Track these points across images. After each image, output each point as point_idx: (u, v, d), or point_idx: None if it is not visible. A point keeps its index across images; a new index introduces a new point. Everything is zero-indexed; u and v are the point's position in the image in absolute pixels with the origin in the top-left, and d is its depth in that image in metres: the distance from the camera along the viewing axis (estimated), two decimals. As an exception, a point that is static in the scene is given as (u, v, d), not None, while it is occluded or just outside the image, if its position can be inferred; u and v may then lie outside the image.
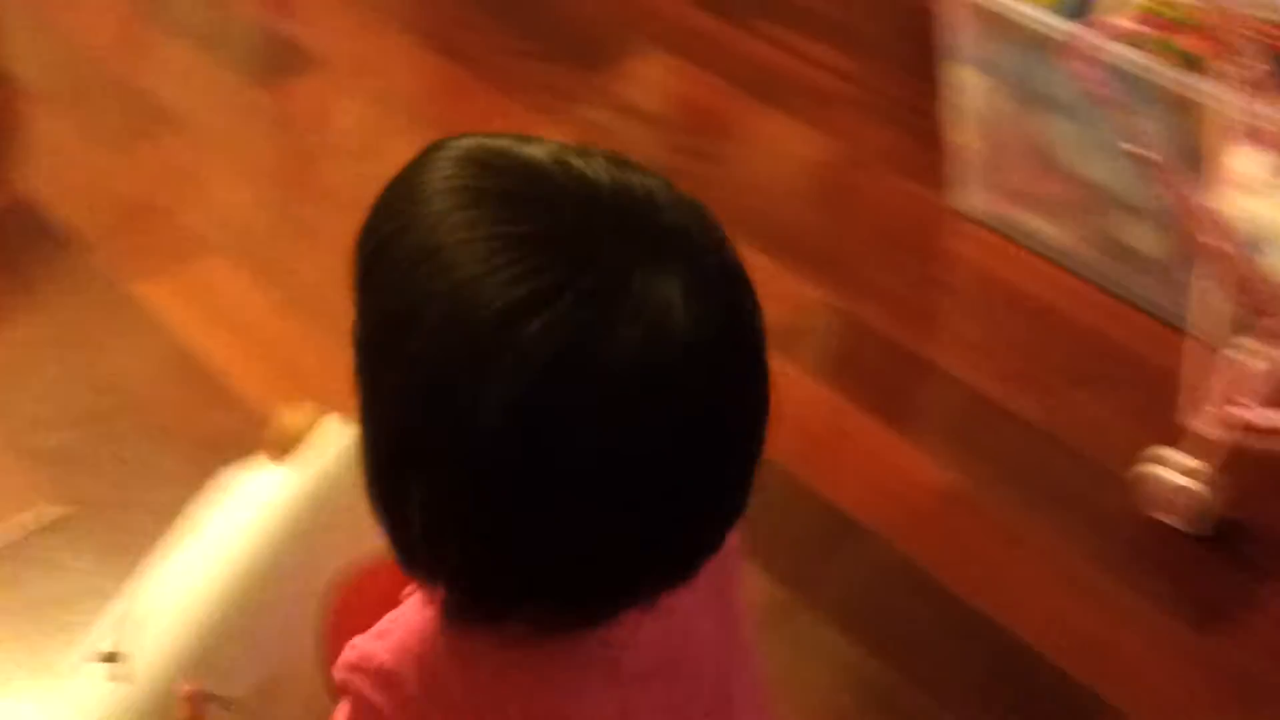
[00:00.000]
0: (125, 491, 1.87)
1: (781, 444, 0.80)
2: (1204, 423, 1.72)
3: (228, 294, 2.19)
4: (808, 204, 2.39)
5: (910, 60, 2.50)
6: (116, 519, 1.82)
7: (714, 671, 0.88)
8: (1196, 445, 1.73)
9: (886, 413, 1.97)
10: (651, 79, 2.70)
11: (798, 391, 1.96)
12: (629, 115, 2.56)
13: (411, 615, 0.81)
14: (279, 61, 2.73)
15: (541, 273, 0.67)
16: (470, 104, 2.57)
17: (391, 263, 0.71)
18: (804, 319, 2.12)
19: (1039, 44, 1.99)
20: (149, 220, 2.37)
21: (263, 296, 2.17)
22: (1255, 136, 1.63)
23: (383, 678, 0.80)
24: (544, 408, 0.67)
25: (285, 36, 2.80)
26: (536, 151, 0.73)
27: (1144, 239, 2.04)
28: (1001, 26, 2.06)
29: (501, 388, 0.67)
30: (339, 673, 0.81)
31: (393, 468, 0.74)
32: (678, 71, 2.67)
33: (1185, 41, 1.83)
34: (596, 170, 0.72)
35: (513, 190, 0.71)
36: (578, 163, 0.72)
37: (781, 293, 2.14)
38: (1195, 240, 1.69)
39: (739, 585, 0.92)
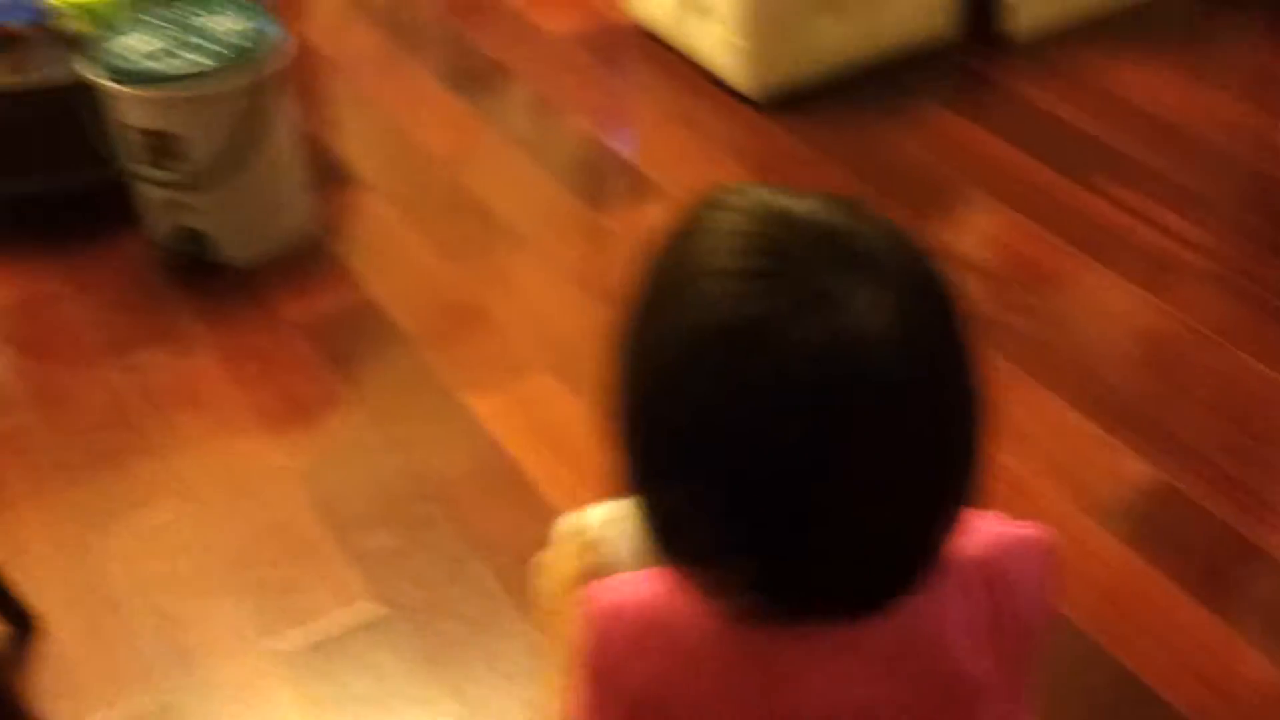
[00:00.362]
0: (439, 598, 1.94)
1: (1086, 607, 0.78)
2: None
3: (555, 411, 2.25)
4: (1139, 370, 2.32)
5: (1258, 231, 2.41)
6: (430, 624, 1.89)
7: None
8: None
9: (1206, 593, 1.88)
10: (984, 229, 2.68)
11: (1110, 558, 1.89)
12: (957, 263, 2.54)
13: (663, 578, 0.88)
14: (611, 182, 2.83)
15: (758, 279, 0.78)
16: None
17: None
18: (1126, 487, 2.06)
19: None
20: (482, 329, 2.47)
21: (590, 419, 2.23)
22: None
23: (601, 613, 0.90)
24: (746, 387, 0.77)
25: (617, 156, 2.90)
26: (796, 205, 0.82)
27: None
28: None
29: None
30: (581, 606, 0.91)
31: (656, 476, 0.83)
32: (1012, 224, 2.64)
33: None
34: (823, 215, 0.81)
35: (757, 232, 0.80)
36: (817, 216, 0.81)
37: (1105, 459, 2.09)
38: None
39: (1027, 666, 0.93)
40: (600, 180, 2.85)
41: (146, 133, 2.51)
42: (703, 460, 0.79)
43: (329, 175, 2.86)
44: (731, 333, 0.77)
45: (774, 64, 2.92)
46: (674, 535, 0.84)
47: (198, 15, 2.59)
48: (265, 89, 2.54)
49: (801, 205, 0.81)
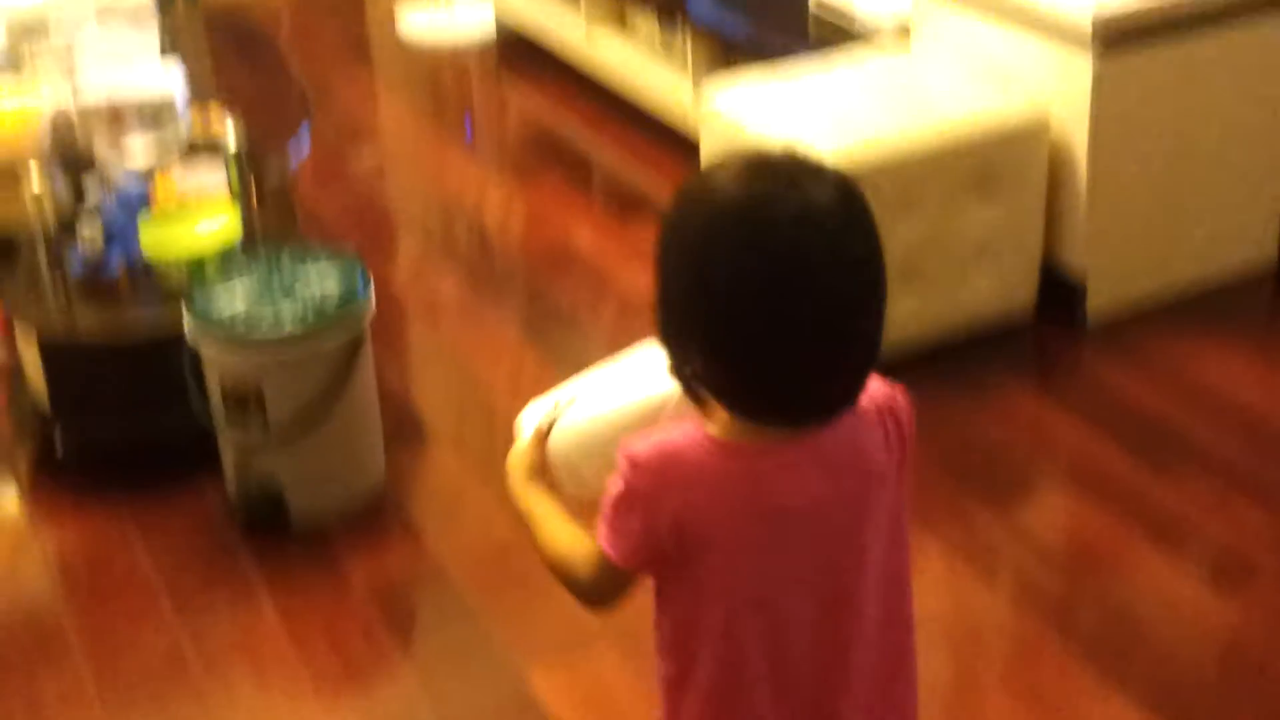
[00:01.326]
0: None
1: None
2: None
3: (615, 690, 2.23)
4: (1209, 672, 2.27)
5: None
6: None
7: (845, 526, 1.35)
8: None
9: None
10: (1056, 514, 2.66)
11: None
12: (1028, 547, 2.52)
13: (670, 432, 1.33)
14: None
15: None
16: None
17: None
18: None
19: None
20: (547, 598, 2.43)
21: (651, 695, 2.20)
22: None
23: (636, 467, 1.31)
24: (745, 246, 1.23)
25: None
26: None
27: None
28: None
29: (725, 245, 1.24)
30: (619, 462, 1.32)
31: (679, 336, 1.29)
32: (1084, 509, 2.62)
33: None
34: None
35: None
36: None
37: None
38: None
39: (895, 485, 1.38)
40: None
41: (233, 387, 2.56)
42: (719, 304, 1.24)
43: (404, 429, 2.90)
44: (737, 208, 1.24)
45: (849, 335, 2.94)
46: (705, 377, 1.29)
47: (292, 271, 2.66)
48: (350, 348, 2.59)
49: (773, 151, 1.30)
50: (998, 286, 3.07)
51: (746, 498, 1.31)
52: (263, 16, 5.29)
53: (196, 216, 2.85)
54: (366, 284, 2.64)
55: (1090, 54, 2.91)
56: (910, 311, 2.99)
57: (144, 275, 2.83)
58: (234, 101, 3.44)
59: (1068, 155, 3.01)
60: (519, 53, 4.72)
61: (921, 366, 3.01)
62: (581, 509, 1.46)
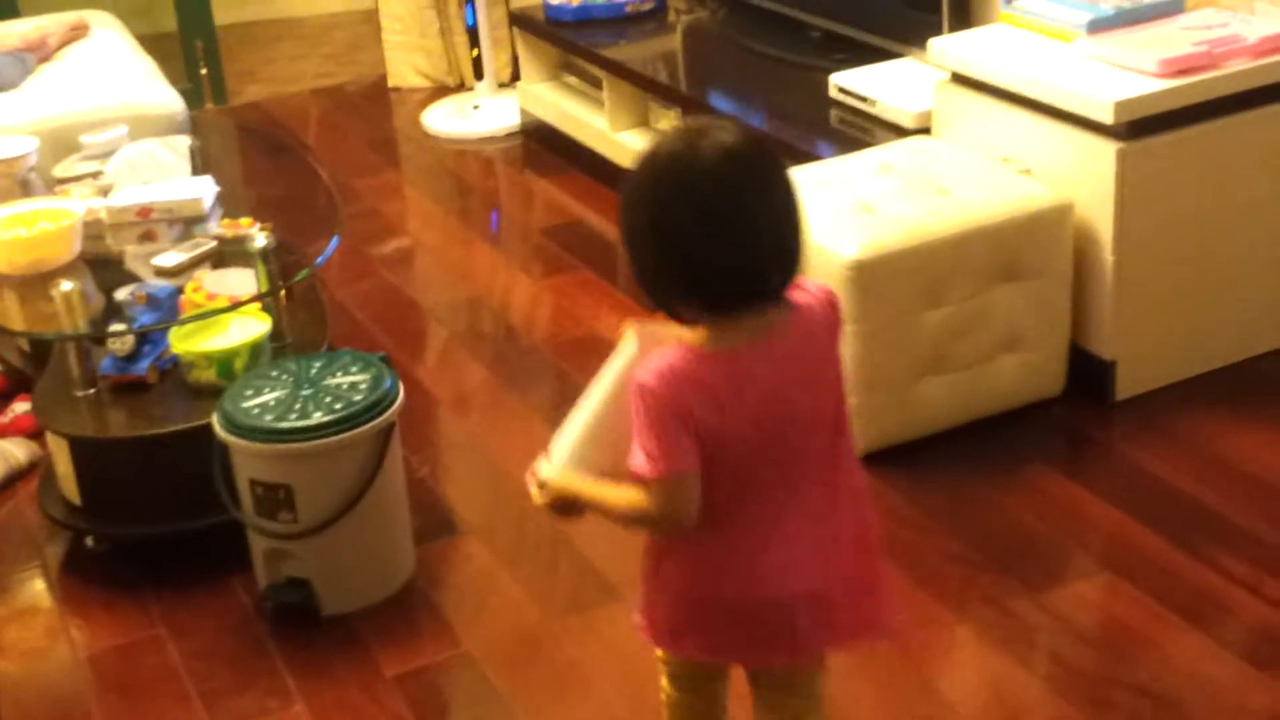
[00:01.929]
0: None
1: None
2: None
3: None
4: (1253, 758, 2.24)
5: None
6: None
7: (800, 404, 1.75)
8: None
9: None
10: (1088, 596, 2.64)
11: None
12: (1064, 632, 2.50)
13: (660, 356, 1.70)
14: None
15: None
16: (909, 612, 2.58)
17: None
18: None
19: None
20: (577, 689, 2.45)
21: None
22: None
23: (645, 388, 1.69)
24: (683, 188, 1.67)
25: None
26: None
27: None
28: None
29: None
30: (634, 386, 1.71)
31: (651, 271, 1.71)
32: (1116, 590, 2.60)
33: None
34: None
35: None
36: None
37: None
38: None
39: (836, 359, 1.80)
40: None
41: (262, 484, 2.58)
42: (677, 235, 1.67)
43: (432, 521, 2.91)
44: (672, 162, 1.68)
45: (879, 422, 2.95)
46: (682, 298, 1.70)
47: (320, 369, 2.68)
48: (379, 443, 2.61)
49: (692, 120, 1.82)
50: (1027, 370, 3.07)
51: (734, 394, 1.70)
52: (291, 116, 5.37)
53: (226, 318, 2.88)
54: (394, 380, 2.66)
55: (1113, 140, 2.93)
56: (940, 396, 2.99)
57: (174, 374, 2.86)
58: (263, 204, 3.48)
59: (1093, 240, 3.03)
60: (544, 147, 4.77)
61: (952, 449, 3.01)
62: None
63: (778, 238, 1.69)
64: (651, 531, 1.78)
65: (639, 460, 1.69)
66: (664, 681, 1.97)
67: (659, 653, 1.93)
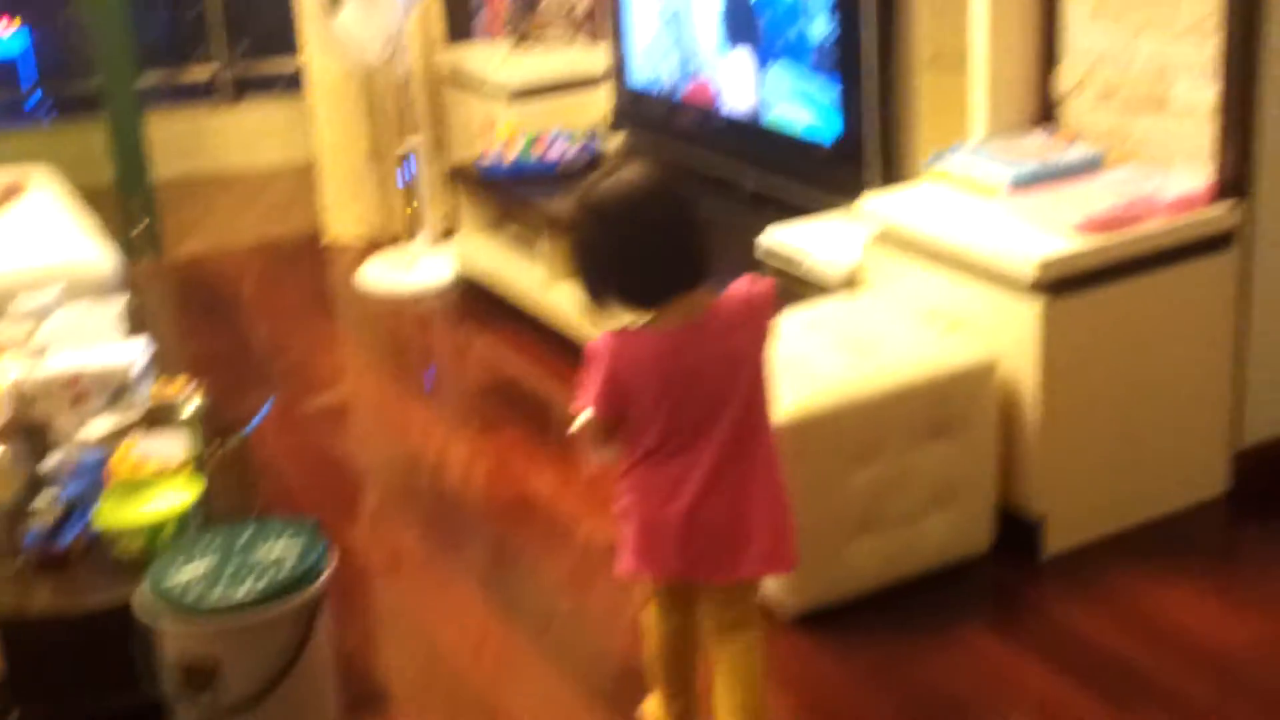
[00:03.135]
0: None
1: None
2: None
3: None
4: None
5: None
6: None
7: (722, 375, 2.33)
8: None
9: None
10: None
11: None
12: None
13: (604, 335, 2.31)
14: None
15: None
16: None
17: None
18: None
19: None
20: None
21: None
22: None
23: (592, 349, 2.32)
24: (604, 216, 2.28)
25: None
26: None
27: None
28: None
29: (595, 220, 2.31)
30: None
31: (589, 276, 2.31)
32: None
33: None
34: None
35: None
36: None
37: None
38: None
39: (758, 347, 2.36)
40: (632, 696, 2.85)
41: (186, 659, 2.53)
42: (608, 246, 2.28)
43: (363, 693, 2.86)
44: (601, 195, 2.27)
45: (810, 584, 2.95)
46: (616, 294, 2.29)
47: (248, 539, 2.66)
48: (307, 615, 2.58)
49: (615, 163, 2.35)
50: (955, 527, 3.09)
51: (656, 363, 2.29)
52: (228, 270, 5.38)
53: (154, 486, 2.86)
54: (324, 549, 2.64)
55: (1036, 297, 2.99)
56: (868, 554, 3.00)
57: (99, 547, 2.83)
58: (195, 368, 3.48)
59: (1018, 397, 3.07)
60: (480, 300, 4.80)
61: (882, 610, 3.01)
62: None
63: (677, 246, 2.27)
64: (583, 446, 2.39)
65: (579, 398, 2.34)
66: (652, 608, 2.53)
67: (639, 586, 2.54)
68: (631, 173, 2.27)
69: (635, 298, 2.29)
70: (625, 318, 2.30)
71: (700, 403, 2.30)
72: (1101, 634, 2.88)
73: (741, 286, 2.35)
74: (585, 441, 2.36)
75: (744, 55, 4.01)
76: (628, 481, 2.39)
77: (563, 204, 4.40)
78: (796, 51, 3.77)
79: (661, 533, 2.35)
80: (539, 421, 3.98)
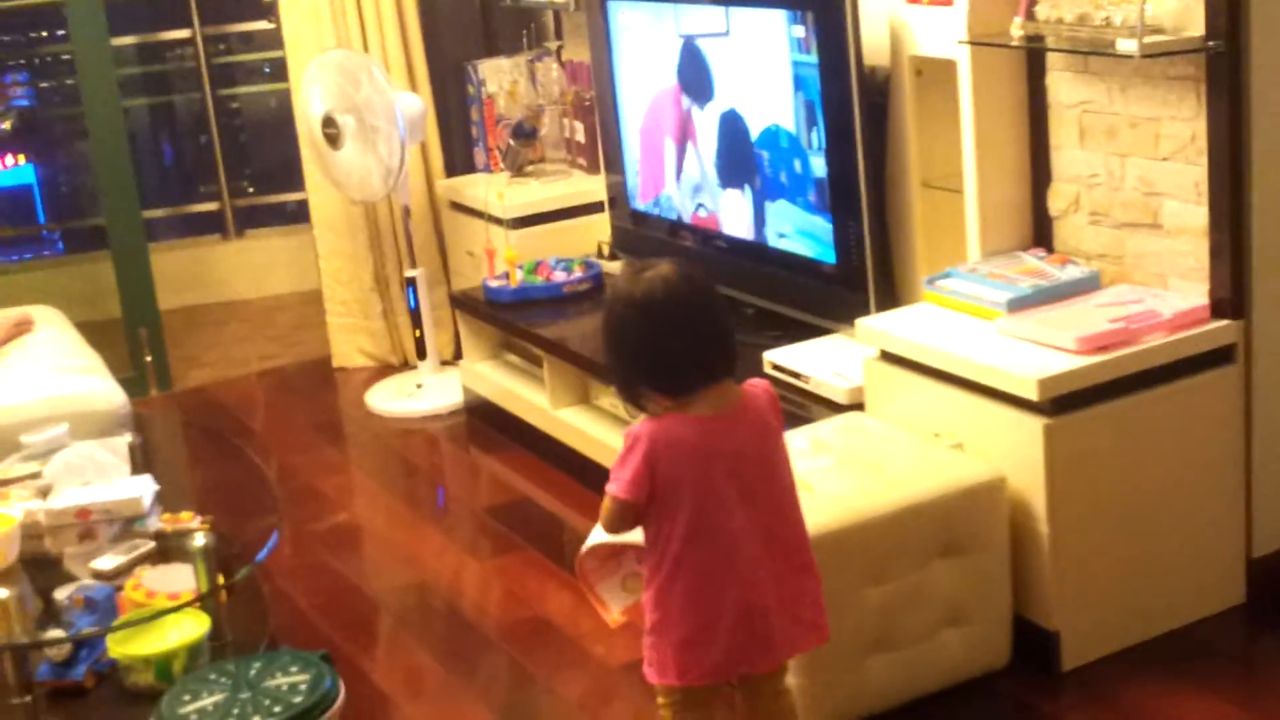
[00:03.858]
0: None
1: None
2: None
3: None
4: None
5: None
6: None
7: (756, 461, 2.46)
8: None
9: None
10: None
11: None
12: None
13: (644, 419, 2.44)
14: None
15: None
16: None
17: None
18: None
19: None
20: None
21: None
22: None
23: (631, 432, 2.42)
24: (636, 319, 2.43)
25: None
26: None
27: None
28: None
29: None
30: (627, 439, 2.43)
31: (622, 368, 2.46)
32: None
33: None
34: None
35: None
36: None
37: None
38: None
39: (780, 438, 2.51)
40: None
41: (197, 794, 2.52)
42: (643, 345, 2.42)
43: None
44: (632, 296, 2.42)
45: (827, 703, 2.93)
46: (650, 388, 2.42)
47: (260, 670, 2.65)
48: (317, 745, 2.57)
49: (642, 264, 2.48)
50: (971, 642, 3.08)
51: (695, 447, 2.39)
52: (235, 399, 5.41)
53: (164, 618, 2.86)
54: (334, 679, 2.64)
55: (1039, 415, 3.00)
56: (885, 670, 2.99)
57: (111, 679, 2.82)
58: (204, 497, 3.49)
59: (1028, 512, 3.07)
60: (487, 424, 4.82)
61: (896, 727, 2.99)
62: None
63: (710, 337, 2.41)
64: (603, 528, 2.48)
65: (611, 480, 2.41)
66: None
67: (661, 700, 2.52)
68: (667, 268, 2.40)
69: (669, 386, 2.40)
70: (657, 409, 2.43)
71: (739, 488, 2.41)
72: (1119, 750, 2.86)
73: (759, 382, 2.52)
74: (605, 524, 2.45)
75: (743, 193, 4.07)
76: (660, 594, 2.43)
77: (568, 327, 4.45)
78: (793, 186, 3.83)
79: (714, 623, 2.41)
80: (551, 542, 3.98)
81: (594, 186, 4.99)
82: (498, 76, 5.38)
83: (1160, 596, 3.21)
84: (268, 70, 6.79)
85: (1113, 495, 3.11)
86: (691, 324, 2.39)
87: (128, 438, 3.53)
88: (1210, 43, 2.99)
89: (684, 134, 4.28)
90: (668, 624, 2.43)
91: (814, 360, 3.66)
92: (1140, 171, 3.25)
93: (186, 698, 2.60)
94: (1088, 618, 3.12)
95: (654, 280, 2.39)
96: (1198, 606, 3.25)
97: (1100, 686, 3.06)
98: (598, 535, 2.56)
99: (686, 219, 4.38)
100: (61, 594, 2.95)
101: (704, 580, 2.40)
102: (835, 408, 3.50)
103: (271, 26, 6.04)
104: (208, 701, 2.58)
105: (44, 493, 3.26)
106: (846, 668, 2.95)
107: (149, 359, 5.49)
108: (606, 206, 4.87)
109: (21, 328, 4.56)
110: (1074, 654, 3.12)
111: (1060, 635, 3.10)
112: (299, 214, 6.25)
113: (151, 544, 3.11)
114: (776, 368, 3.70)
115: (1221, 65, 3.01)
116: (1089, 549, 3.10)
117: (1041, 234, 3.53)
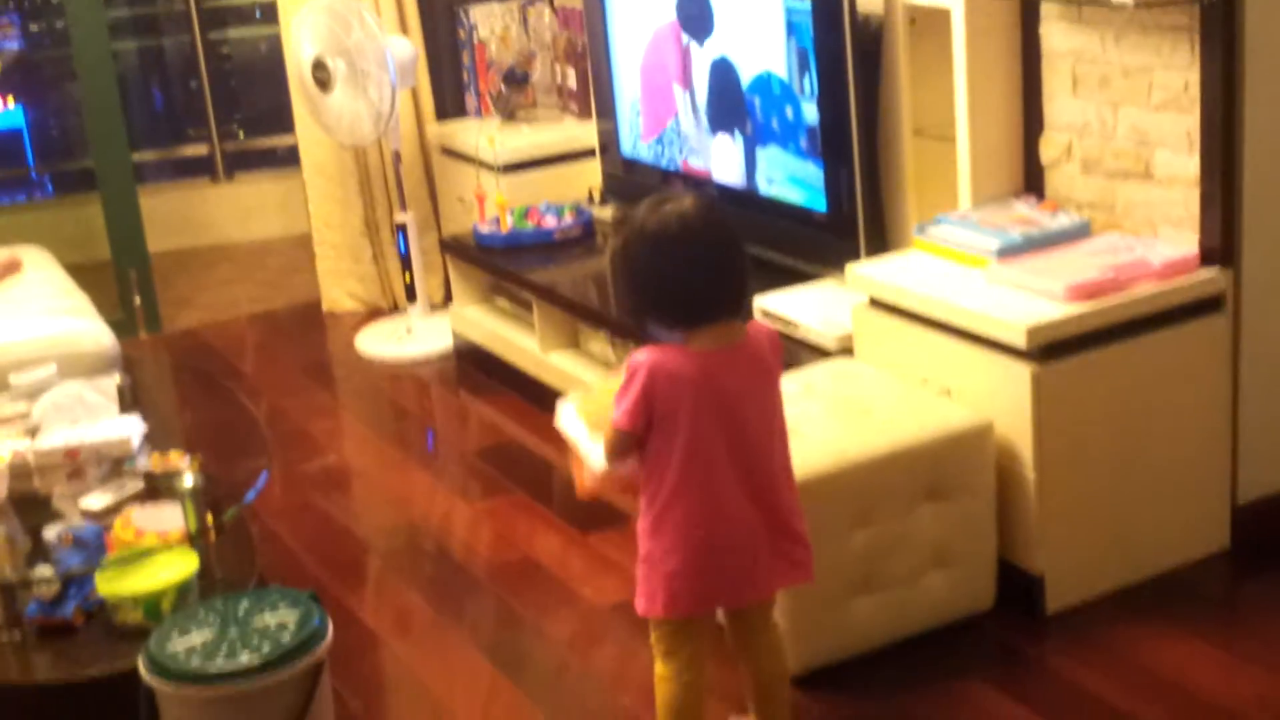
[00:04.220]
0: None
1: None
2: None
3: None
4: None
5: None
6: None
7: (749, 400, 2.48)
8: None
9: None
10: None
11: None
12: None
13: (645, 349, 2.45)
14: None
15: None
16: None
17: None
18: None
19: None
20: None
21: None
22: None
23: (632, 362, 2.43)
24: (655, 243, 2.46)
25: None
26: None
27: None
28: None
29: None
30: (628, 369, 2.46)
31: (632, 296, 2.51)
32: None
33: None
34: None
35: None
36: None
37: None
38: None
39: (777, 381, 2.54)
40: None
41: (188, 734, 2.54)
42: (656, 274, 2.44)
43: (365, 760, 2.86)
44: (647, 224, 2.45)
45: (812, 642, 2.96)
46: (659, 320, 2.46)
47: (249, 608, 2.66)
48: (307, 682, 2.58)
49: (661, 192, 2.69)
50: (956, 586, 3.09)
51: (693, 380, 2.41)
52: (225, 342, 5.41)
53: (153, 557, 2.87)
54: (323, 618, 2.64)
55: (1027, 362, 3.01)
56: (870, 612, 3.01)
57: (99, 617, 2.83)
58: (194, 438, 3.49)
59: (1014, 457, 3.08)
60: (477, 368, 4.83)
61: (885, 667, 3.01)
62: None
63: (720, 274, 2.42)
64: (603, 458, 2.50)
65: (614, 410, 2.45)
66: (657, 664, 2.56)
67: (653, 634, 2.56)
68: (689, 202, 2.44)
69: (677, 318, 2.43)
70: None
71: (736, 421, 2.44)
72: (1104, 690, 2.88)
73: (763, 326, 2.56)
74: (606, 453, 2.48)
75: (734, 139, 4.06)
76: (655, 524, 2.47)
77: (559, 273, 4.45)
78: (784, 133, 3.82)
79: (702, 553, 2.45)
80: (540, 485, 3.99)
81: (585, 132, 4.98)
82: (489, 21, 5.35)
83: (1145, 541, 3.23)
84: (258, 14, 6.75)
85: (1099, 442, 3.12)
86: (703, 261, 2.40)
87: (116, 378, 3.53)
88: (1204, -9, 2.99)
89: (685, 72, 4.26)
90: (659, 554, 2.47)
91: (804, 306, 3.67)
92: (1132, 120, 3.25)
93: (175, 635, 2.60)
94: (1072, 561, 3.14)
95: (670, 214, 2.41)
96: (1182, 551, 3.27)
97: (1084, 629, 3.08)
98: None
99: (677, 165, 4.37)
100: (50, 532, 2.95)
101: (695, 512, 2.44)
102: (824, 354, 3.50)
103: (262, -32, 6.01)
104: (196, 639, 2.58)
105: (32, 432, 3.26)
106: (832, 609, 2.97)
107: (138, 301, 5.48)
108: (598, 152, 4.86)
109: (10, 269, 4.55)
110: (1058, 597, 3.14)
111: (1045, 578, 3.12)
112: (289, 158, 6.23)
113: (140, 483, 3.11)
114: (766, 314, 3.70)
115: (1215, 15, 3.00)
116: (1075, 494, 3.12)
117: (1033, 182, 3.53)
